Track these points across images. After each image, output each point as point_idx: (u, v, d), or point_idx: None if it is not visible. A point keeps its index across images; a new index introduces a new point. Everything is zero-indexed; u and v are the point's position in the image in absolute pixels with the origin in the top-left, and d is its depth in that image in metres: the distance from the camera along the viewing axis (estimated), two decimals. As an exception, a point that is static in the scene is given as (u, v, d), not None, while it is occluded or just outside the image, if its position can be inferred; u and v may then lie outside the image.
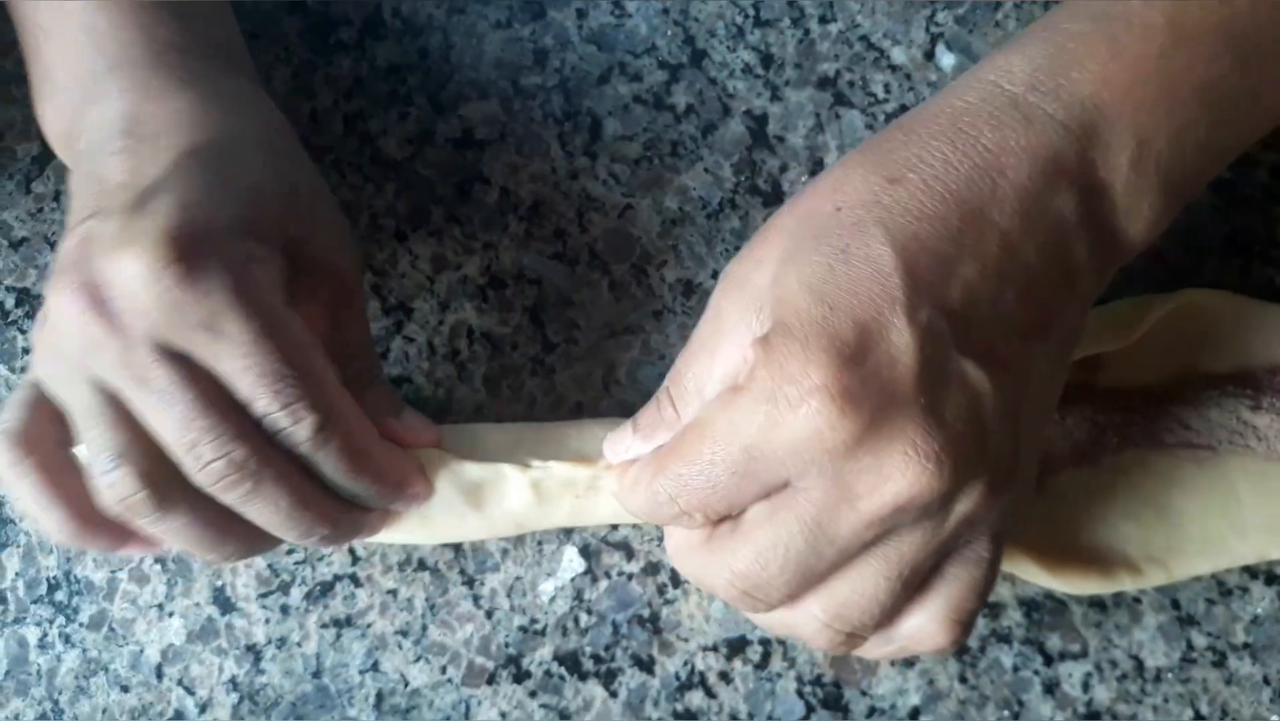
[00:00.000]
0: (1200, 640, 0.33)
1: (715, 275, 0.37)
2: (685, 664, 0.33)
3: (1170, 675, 0.33)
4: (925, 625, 0.26)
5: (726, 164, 0.38)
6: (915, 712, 0.33)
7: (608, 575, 0.34)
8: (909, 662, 0.33)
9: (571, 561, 0.34)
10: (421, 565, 0.34)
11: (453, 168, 0.39)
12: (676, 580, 0.34)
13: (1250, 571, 0.33)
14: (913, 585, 0.26)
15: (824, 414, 0.24)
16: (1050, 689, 0.33)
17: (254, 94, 0.33)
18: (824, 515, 0.25)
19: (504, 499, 0.33)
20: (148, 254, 0.27)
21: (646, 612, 0.33)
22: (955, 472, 0.24)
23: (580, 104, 0.40)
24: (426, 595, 0.34)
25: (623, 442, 0.29)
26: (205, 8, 0.34)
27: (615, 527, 0.34)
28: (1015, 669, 0.33)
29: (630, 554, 0.34)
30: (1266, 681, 0.33)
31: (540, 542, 0.34)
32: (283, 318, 0.28)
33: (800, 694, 0.33)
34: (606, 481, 0.32)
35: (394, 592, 0.34)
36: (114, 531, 0.29)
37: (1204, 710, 0.33)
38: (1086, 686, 0.33)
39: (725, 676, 0.33)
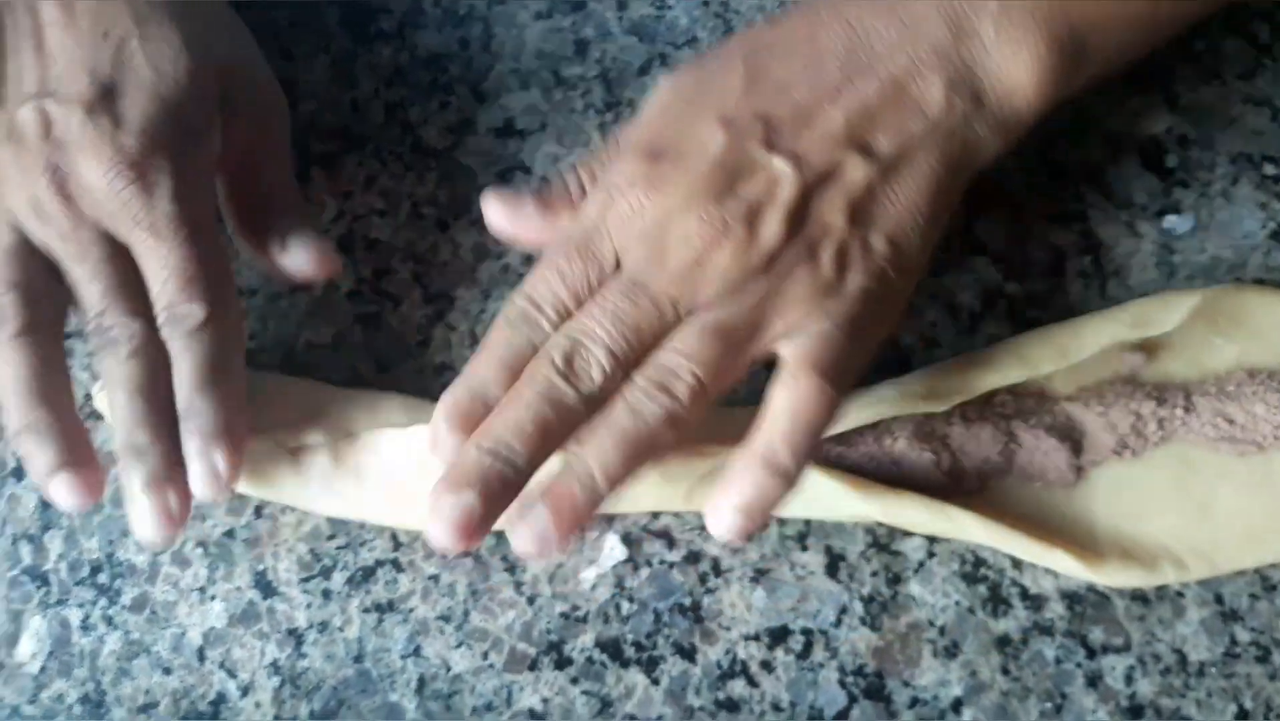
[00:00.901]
0: (1244, 635, 0.33)
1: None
2: (727, 652, 0.33)
3: (1214, 670, 0.33)
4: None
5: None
6: (957, 704, 0.32)
7: (649, 563, 0.34)
8: (951, 654, 0.33)
9: (614, 549, 0.34)
10: (464, 551, 0.34)
11: (494, 157, 0.39)
12: (718, 569, 0.34)
13: (1294, 567, 0.33)
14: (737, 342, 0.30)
15: (635, 194, 0.30)
16: (1093, 681, 0.33)
17: None
18: (639, 275, 0.30)
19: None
20: (110, 160, 0.32)
21: (688, 601, 0.33)
22: (746, 238, 0.29)
23: (621, 94, 0.40)
24: (469, 581, 0.34)
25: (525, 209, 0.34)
26: None
27: (657, 516, 0.34)
28: (1058, 661, 0.33)
29: (672, 542, 0.34)
30: (1311, 677, 0.33)
31: (582, 530, 0.34)
32: (208, 225, 0.33)
33: (842, 684, 0.33)
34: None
35: (436, 578, 0.34)
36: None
37: (1248, 705, 0.32)
38: (1129, 680, 0.33)
39: (767, 665, 0.33)
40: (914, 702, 0.32)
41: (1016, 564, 0.34)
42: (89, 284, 0.33)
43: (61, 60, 0.33)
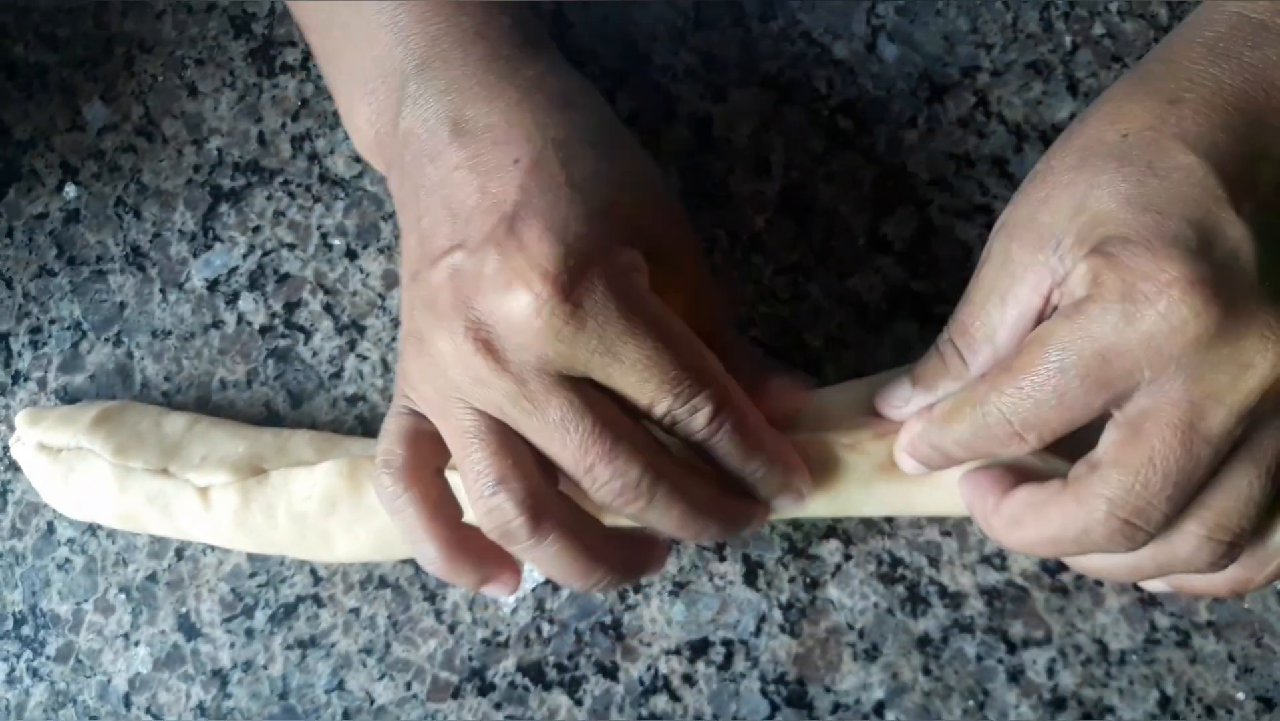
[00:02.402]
0: (1163, 620, 0.33)
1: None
2: (649, 668, 0.33)
3: (1135, 657, 0.33)
4: None
5: (673, 169, 0.38)
6: (880, 707, 0.33)
7: (569, 583, 0.34)
8: (871, 656, 0.33)
9: (532, 571, 0.34)
10: (383, 582, 0.34)
11: (401, 183, 0.39)
12: (639, 585, 0.34)
13: (1211, 549, 0.33)
14: None
15: (1186, 303, 0.24)
16: (1014, 676, 0.33)
17: (569, 80, 0.32)
18: (1194, 415, 0.25)
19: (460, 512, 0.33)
20: (531, 294, 0.27)
21: (608, 619, 0.33)
22: None
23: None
24: (389, 612, 0.34)
25: (900, 395, 0.30)
26: None
27: (575, 535, 0.34)
28: (979, 658, 0.33)
29: (590, 561, 0.34)
30: (1231, 658, 0.33)
31: (500, 554, 0.34)
32: (666, 320, 0.28)
33: (764, 693, 0.33)
34: None
35: (356, 611, 0.34)
36: (483, 566, 0.30)
37: (1170, 690, 0.33)
38: (1051, 672, 0.33)
39: (689, 679, 0.33)
40: (836, 708, 0.32)
41: (934, 562, 0.34)
42: (560, 441, 0.28)
43: (469, 202, 0.28)
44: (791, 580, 0.33)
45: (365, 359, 0.37)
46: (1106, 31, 0.39)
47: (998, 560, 0.33)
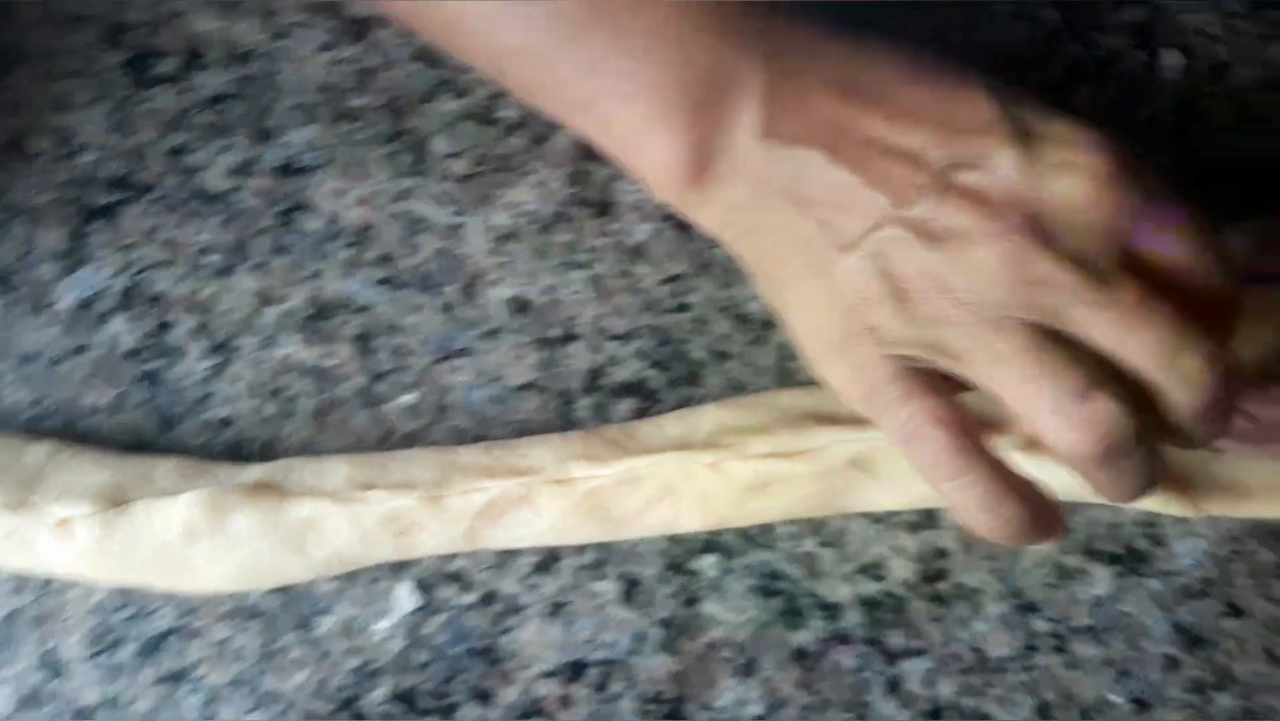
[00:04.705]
0: (1041, 625, 0.33)
1: (549, 290, 0.36)
2: (524, 692, 0.32)
3: (1013, 664, 0.33)
4: None
5: (557, 176, 0.38)
6: (759, 723, 0.32)
7: (443, 608, 0.33)
8: (749, 671, 0.32)
9: (405, 597, 0.33)
10: (253, 612, 0.33)
11: (278, 196, 0.38)
12: (515, 607, 0.33)
13: (1090, 552, 0.33)
14: None
15: None
16: (893, 687, 0.32)
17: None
18: None
19: (325, 537, 0.32)
20: (1091, 169, 0.25)
21: (483, 644, 0.33)
22: None
23: (407, 123, 0.39)
24: (260, 642, 0.33)
25: None
26: None
27: (452, 558, 0.33)
28: (857, 670, 0.32)
29: (466, 585, 0.33)
30: (1109, 663, 0.33)
31: (374, 580, 0.33)
32: None
33: (642, 713, 0.32)
34: (427, 513, 0.32)
35: (226, 642, 0.33)
36: (1046, 512, 0.28)
37: (1048, 697, 0.32)
38: (930, 682, 0.32)
39: (565, 701, 0.32)
40: (715, 725, 0.32)
41: (813, 573, 0.33)
42: (1145, 327, 0.25)
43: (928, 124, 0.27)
44: (670, 596, 0.33)
45: (237, 380, 0.36)
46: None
47: (875, 570, 0.33)
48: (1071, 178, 0.26)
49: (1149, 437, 0.26)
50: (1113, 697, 0.32)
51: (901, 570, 0.33)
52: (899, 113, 0.27)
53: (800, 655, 0.33)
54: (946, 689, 0.32)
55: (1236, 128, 0.38)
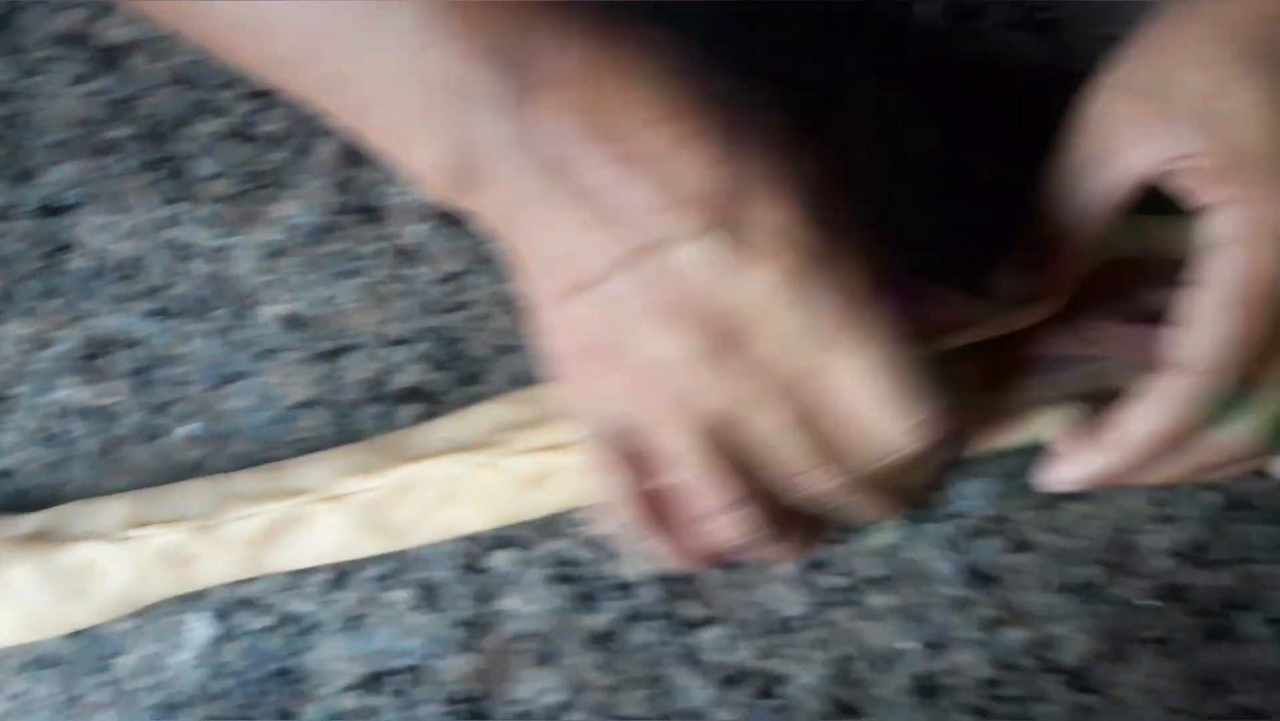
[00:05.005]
0: (825, 581, 0.33)
1: (323, 302, 0.36)
2: (326, 709, 0.32)
3: (806, 622, 0.33)
4: None
5: (323, 186, 0.37)
6: (562, 709, 0.32)
7: (240, 634, 0.33)
8: (549, 660, 0.33)
9: (201, 628, 0.33)
10: (49, 661, 0.33)
11: (41, 239, 0.37)
12: (312, 626, 0.33)
13: (875, 504, 0.34)
14: None
15: None
16: (692, 658, 0.33)
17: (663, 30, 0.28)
18: None
19: (105, 579, 0.32)
20: (779, 261, 0.24)
21: (283, 665, 0.32)
22: None
23: (168, 149, 0.38)
24: (59, 690, 0.33)
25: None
26: None
27: (245, 583, 0.33)
28: (655, 645, 0.33)
29: (261, 609, 0.33)
30: (900, 610, 0.33)
31: (167, 614, 0.33)
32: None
33: (445, 714, 0.32)
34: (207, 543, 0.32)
35: (24, 695, 0.33)
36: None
37: (843, 651, 0.33)
38: (727, 650, 0.33)
39: (370, 712, 0.32)
40: (518, 717, 0.33)
41: (606, 557, 0.34)
42: (792, 445, 0.26)
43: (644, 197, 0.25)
44: (467, 597, 0.33)
45: (17, 430, 0.35)
46: None
47: (667, 546, 0.34)
48: (760, 277, 0.25)
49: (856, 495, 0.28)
50: (906, 644, 0.33)
51: (692, 542, 0.34)
52: (628, 159, 0.25)
53: (598, 638, 0.33)
54: (743, 653, 0.33)
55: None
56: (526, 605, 0.33)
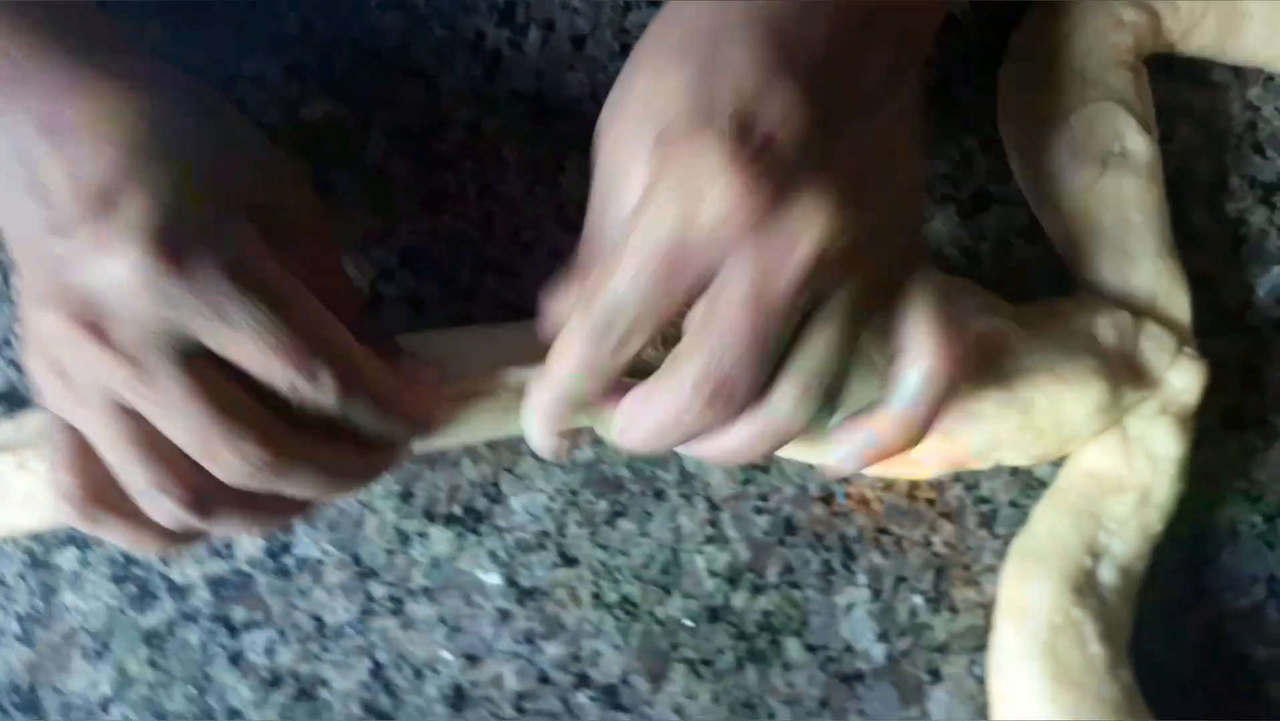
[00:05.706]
0: (379, 590, 0.34)
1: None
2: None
3: (350, 629, 0.34)
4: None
5: None
6: (106, 702, 0.34)
7: None
8: (101, 655, 0.34)
9: None
10: None
11: None
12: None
13: (429, 515, 0.34)
14: (863, 326, 0.27)
15: (733, 188, 0.25)
16: (235, 659, 0.34)
17: (155, 64, 0.30)
18: (757, 289, 0.26)
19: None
20: (133, 253, 0.25)
21: None
22: (855, 212, 0.26)
23: None
24: None
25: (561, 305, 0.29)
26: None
27: None
28: (203, 645, 0.34)
29: None
30: (442, 621, 0.34)
31: None
32: (283, 288, 0.27)
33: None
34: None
35: None
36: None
37: (382, 658, 0.34)
38: (270, 652, 0.34)
39: (-72, 698, 0.34)
40: (66, 708, 0.34)
41: (167, 559, 0.35)
42: (179, 425, 0.27)
43: (59, 188, 0.26)
44: (29, 591, 0.34)
45: None
46: None
47: (225, 550, 0.34)
48: (117, 267, 0.25)
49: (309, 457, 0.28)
50: (444, 654, 0.34)
51: (249, 547, 0.34)
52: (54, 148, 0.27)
53: (150, 636, 0.34)
54: (286, 657, 0.34)
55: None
56: (85, 601, 0.34)
